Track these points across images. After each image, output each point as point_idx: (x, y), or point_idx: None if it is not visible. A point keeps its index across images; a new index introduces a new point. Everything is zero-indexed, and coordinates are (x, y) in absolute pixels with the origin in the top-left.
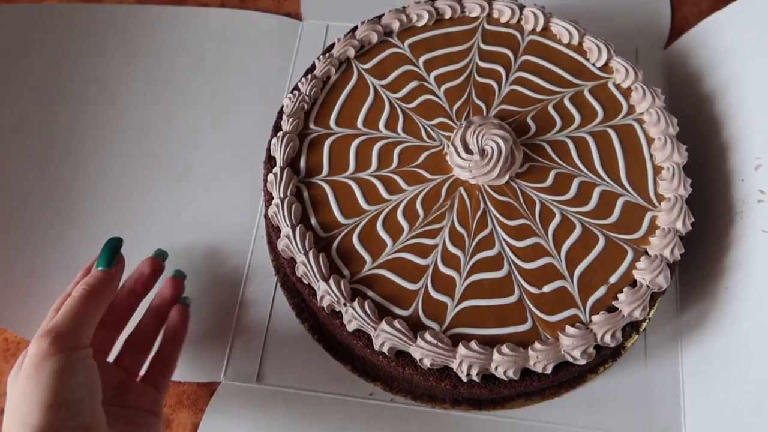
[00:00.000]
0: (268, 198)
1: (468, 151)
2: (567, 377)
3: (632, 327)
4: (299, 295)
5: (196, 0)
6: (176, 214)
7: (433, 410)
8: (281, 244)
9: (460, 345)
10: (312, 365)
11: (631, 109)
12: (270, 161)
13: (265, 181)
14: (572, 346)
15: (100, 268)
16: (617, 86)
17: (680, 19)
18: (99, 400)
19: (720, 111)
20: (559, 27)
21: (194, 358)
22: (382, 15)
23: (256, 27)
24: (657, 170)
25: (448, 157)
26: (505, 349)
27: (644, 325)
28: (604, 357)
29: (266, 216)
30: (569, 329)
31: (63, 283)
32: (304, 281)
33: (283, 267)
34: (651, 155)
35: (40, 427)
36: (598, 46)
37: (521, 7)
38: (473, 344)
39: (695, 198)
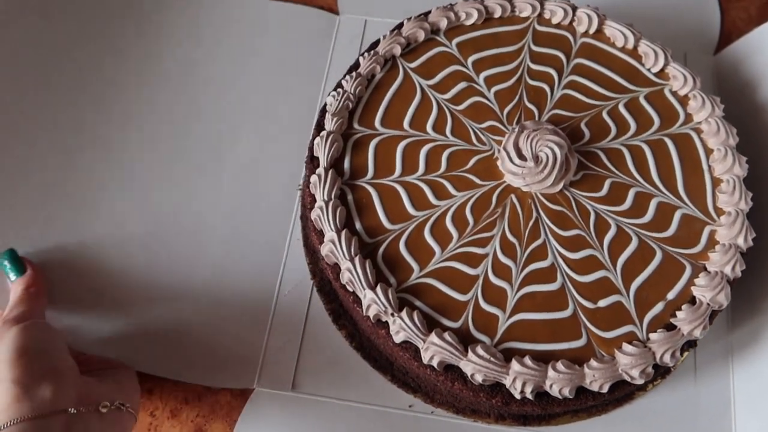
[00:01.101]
0: (311, 200)
1: (521, 157)
2: (621, 395)
3: (688, 345)
4: (336, 301)
5: None
6: (208, 213)
7: (476, 424)
8: (325, 249)
9: (514, 361)
10: (349, 374)
11: (689, 117)
12: (313, 162)
13: (308, 182)
14: (630, 365)
15: (17, 277)
16: (674, 93)
17: (728, 23)
18: (65, 350)
19: None
20: (613, 30)
21: (227, 365)
22: (429, 12)
23: (291, 19)
24: (716, 182)
25: (499, 163)
26: (560, 366)
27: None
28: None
29: (302, 217)
30: (627, 347)
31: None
32: (349, 288)
33: (321, 271)
34: (710, 167)
35: (12, 377)
36: (654, 51)
37: (574, 8)
38: (527, 360)
39: (753, 210)
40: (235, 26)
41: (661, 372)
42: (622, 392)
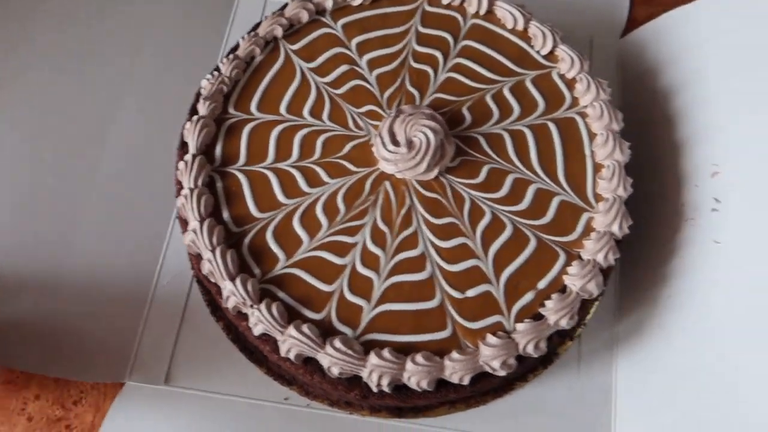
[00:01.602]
0: (179, 188)
1: (395, 142)
2: (487, 388)
3: (562, 335)
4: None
5: None
6: (86, 195)
7: (351, 417)
8: (187, 238)
9: (372, 353)
10: (226, 367)
11: (575, 101)
12: (183, 147)
13: (176, 168)
14: (491, 357)
15: None
16: (561, 76)
17: (640, 8)
18: None
19: (675, 109)
20: (503, 11)
21: (97, 357)
22: None
23: None
24: (597, 168)
25: (374, 149)
26: (419, 358)
27: (579, 331)
28: (534, 364)
29: None
30: (490, 338)
31: None
32: (211, 279)
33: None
34: (592, 152)
35: None
36: (543, 33)
37: None
38: (386, 353)
39: (642, 200)
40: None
41: (542, 361)
42: (487, 384)
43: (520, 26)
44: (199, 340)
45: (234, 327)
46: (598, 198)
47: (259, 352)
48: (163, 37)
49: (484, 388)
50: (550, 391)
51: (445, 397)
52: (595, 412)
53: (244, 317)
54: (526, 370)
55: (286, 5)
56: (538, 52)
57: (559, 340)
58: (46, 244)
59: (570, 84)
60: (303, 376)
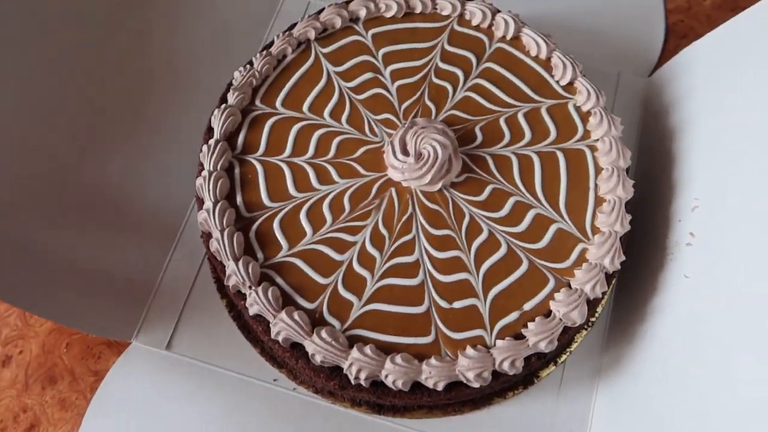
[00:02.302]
0: (200, 169)
1: (405, 152)
2: (462, 398)
3: (547, 359)
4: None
5: None
6: (121, 163)
7: (333, 406)
8: (201, 216)
9: (355, 348)
10: (223, 342)
11: (586, 134)
12: (209, 132)
13: (200, 150)
14: (467, 368)
15: None
16: (577, 108)
17: (673, 45)
18: None
19: (678, 148)
20: (529, 38)
21: (108, 315)
22: (350, 0)
23: None
24: (599, 201)
25: (385, 156)
26: (398, 359)
27: (564, 357)
28: (515, 383)
29: None
30: (469, 350)
31: None
32: (217, 257)
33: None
34: (596, 185)
35: None
36: (564, 64)
37: (494, 12)
38: (367, 349)
39: (640, 235)
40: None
41: (523, 382)
42: (462, 394)
43: (543, 55)
44: (203, 313)
45: (235, 305)
46: (594, 230)
47: (255, 332)
48: (211, 30)
49: (459, 398)
50: (527, 411)
51: (419, 400)
52: None
53: (243, 297)
54: (506, 387)
55: (323, 10)
56: (557, 82)
57: (543, 363)
58: (75, 195)
59: (584, 117)
60: (289, 360)
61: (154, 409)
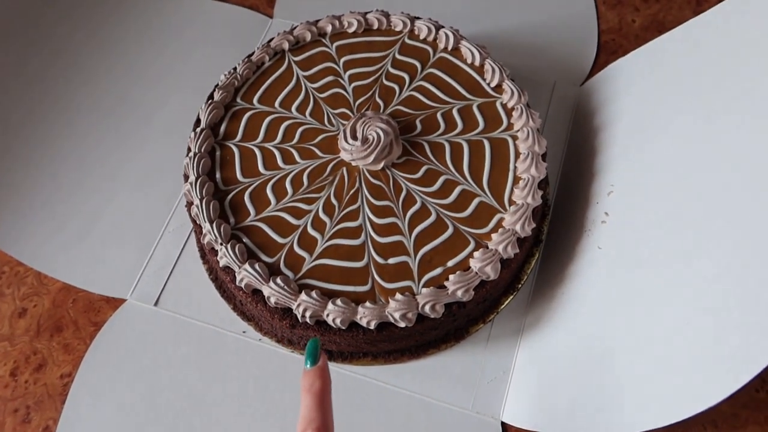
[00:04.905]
0: (188, 151)
1: (354, 137)
2: (391, 337)
3: (462, 307)
4: None
5: None
6: (120, 157)
7: (292, 354)
8: (185, 188)
9: (303, 292)
10: (202, 300)
11: (510, 126)
12: (197, 123)
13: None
14: (395, 309)
15: (311, 366)
16: (503, 105)
17: (604, 60)
18: None
19: (599, 143)
20: (466, 48)
21: (109, 276)
22: (320, 19)
23: (227, 18)
24: (516, 180)
25: (338, 141)
26: (338, 301)
27: (492, 317)
28: (448, 337)
29: None
30: (397, 296)
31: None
32: (197, 221)
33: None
34: (515, 167)
35: None
36: (493, 69)
37: (438, 27)
38: (314, 293)
39: (565, 215)
40: (167, 19)
41: (455, 336)
42: (391, 334)
43: (477, 62)
44: (187, 276)
45: (214, 270)
46: (511, 203)
47: (230, 292)
48: (209, 46)
49: (392, 336)
50: (459, 361)
51: (354, 337)
52: (494, 384)
53: (215, 252)
54: (439, 340)
55: (297, 26)
56: (488, 84)
57: (473, 321)
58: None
59: (509, 112)
60: (250, 304)
61: (142, 354)
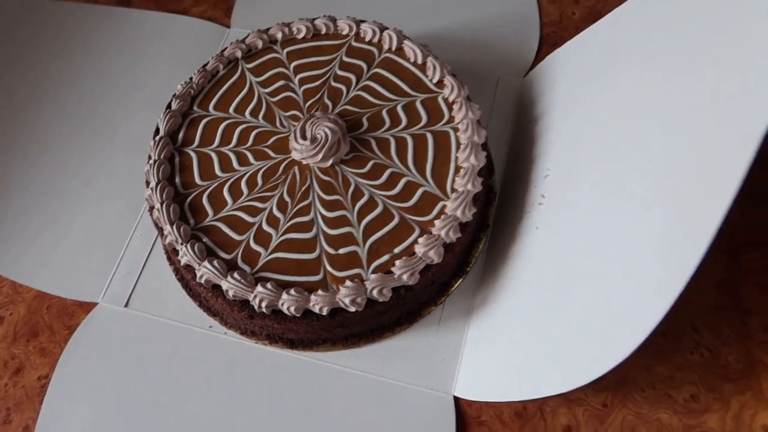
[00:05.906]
0: (149, 159)
1: (304, 137)
2: (345, 322)
3: (408, 290)
4: None
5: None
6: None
7: (255, 345)
8: (147, 193)
9: (258, 284)
10: (170, 299)
11: (451, 119)
12: (156, 131)
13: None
14: (345, 295)
15: None
16: (445, 99)
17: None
18: None
19: (538, 131)
20: (409, 48)
21: (80, 282)
22: (271, 27)
23: (185, 30)
24: (457, 170)
25: (289, 142)
26: (292, 291)
27: (443, 299)
28: (401, 320)
29: None
30: (347, 282)
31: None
32: (159, 225)
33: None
34: (456, 157)
35: None
36: (434, 66)
37: (382, 29)
38: (269, 285)
39: (509, 200)
40: (127, 33)
41: (408, 319)
42: (344, 319)
43: (420, 60)
44: (155, 278)
45: (179, 269)
46: (453, 191)
47: (195, 290)
48: (172, 59)
49: (345, 321)
50: (413, 342)
51: (310, 324)
52: (447, 362)
53: (177, 252)
54: (393, 323)
55: (249, 35)
56: (430, 80)
57: (424, 304)
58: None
59: (450, 106)
60: (211, 299)
61: (114, 353)
